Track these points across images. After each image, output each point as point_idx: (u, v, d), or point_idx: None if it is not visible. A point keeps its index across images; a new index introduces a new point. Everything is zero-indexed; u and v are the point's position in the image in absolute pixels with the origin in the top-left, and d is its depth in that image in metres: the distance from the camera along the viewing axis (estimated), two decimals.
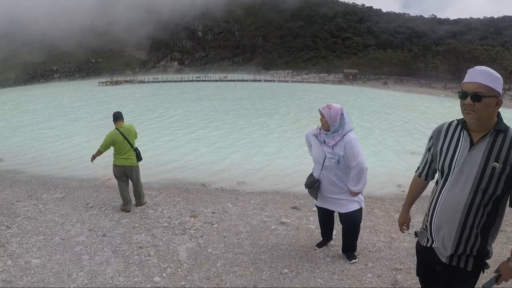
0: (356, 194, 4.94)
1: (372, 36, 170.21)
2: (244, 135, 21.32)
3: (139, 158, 7.96)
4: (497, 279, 2.56)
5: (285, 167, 13.94)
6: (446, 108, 40.54)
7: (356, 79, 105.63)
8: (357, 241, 5.50)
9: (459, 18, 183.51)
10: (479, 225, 2.53)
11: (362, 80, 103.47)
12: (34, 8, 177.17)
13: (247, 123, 26.64)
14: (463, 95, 2.47)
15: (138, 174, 8.03)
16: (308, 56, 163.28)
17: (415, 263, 3.06)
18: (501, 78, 2.50)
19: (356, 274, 5.00)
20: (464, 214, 2.51)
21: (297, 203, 8.41)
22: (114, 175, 7.94)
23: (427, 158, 2.92)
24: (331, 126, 4.80)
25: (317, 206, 5.48)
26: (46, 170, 13.19)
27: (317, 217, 7.19)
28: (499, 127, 2.46)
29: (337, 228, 5.96)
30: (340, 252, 5.53)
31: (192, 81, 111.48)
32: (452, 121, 2.73)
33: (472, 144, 2.50)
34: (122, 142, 7.69)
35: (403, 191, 10.74)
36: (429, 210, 2.75)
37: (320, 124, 4.97)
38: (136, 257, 5.48)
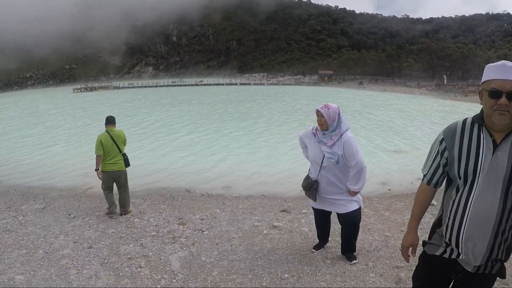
0: (355, 193, 4.86)
1: (346, 37, 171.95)
2: (226, 140, 20.96)
3: (127, 163, 7.89)
4: None
5: (269, 170, 13.77)
6: (423, 106, 41.16)
7: (332, 80, 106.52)
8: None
9: (432, 18, 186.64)
10: (510, 229, 2.37)
11: (337, 81, 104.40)
12: (8, 15, 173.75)
13: (229, 127, 26.26)
14: (495, 94, 2.24)
15: (126, 179, 7.93)
16: (283, 58, 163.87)
17: (416, 261, 2.89)
18: None
19: (359, 274, 4.89)
20: (497, 221, 2.31)
21: (286, 206, 8.26)
22: (102, 181, 7.75)
23: (439, 163, 2.57)
24: (329, 126, 4.73)
25: (313, 208, 5.35)
26: (24, 180, 12.67)
27: (308, 219, 7.12)
28: None
29: (332, 229, 5.85)
30: (339, 253, 5.43)
31: (167, 86, 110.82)
32: (465, 120, 2.48)
33: (495, 145, 2.30)
34: (110, 145, 7.60)
35: (389, 189, 10.80)
36: (451, 221, 2.46)
37: (316, 125, 4.89)
38: (126, 269, 5.23)
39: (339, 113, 4.76)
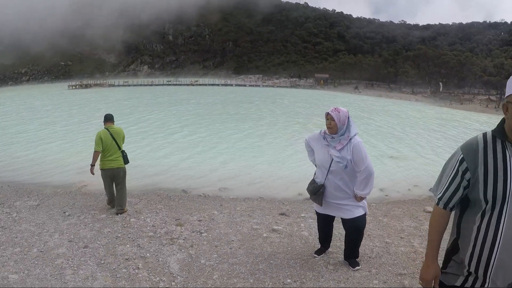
0: (362, 199, 4.80)
1: (343, 41, 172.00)
2: (223, 141, 20.76)
3: (126, 160, 7.90)
4: None
5: (267, 172, 13.67)
6: (420, 113, 41.15)
7: (327, 84, 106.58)
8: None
9: (429, 24, 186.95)
10: None
11: (333, 84, 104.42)
12: (4, 11, 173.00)
13: (226, 128, 26.06)
14: None
15: (124, 177, 7.95)
16: (279, 60, 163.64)
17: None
18: None
19: (362, 281, 4.82)
20: None
21: (284, 209, 8.17)
22: (102, 177, 7.82)
23: (459, 185, 2.30)
24: (339, 129, 4.67)
25: (317, 213, 5.25)
26: (18, 176, 12.52)
27: (308, 224, 7.04)
28: None
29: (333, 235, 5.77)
30: (341, 259, 5.36)
31: (163, 85, 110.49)
32: (485, 135, 2.26)
33: None
34: (110, 141, 7.65)
35: (386, 195, 10.73)
36: (478, 249, 2.23)
37: (324, 128, 4.83)
38: (124, 270, 5.10)
39: (348, 117, 4.71)
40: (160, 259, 5.46)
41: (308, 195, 5.23)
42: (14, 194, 9.33)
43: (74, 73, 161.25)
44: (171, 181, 12.14)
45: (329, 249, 5.64)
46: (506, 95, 2.20)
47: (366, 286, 4.69)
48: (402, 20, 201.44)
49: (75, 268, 5.15)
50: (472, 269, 2.27)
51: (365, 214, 4.96)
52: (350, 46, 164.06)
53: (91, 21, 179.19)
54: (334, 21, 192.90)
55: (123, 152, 7.84)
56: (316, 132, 5.04)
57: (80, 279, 4.85)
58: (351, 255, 5.21)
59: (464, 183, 2.28)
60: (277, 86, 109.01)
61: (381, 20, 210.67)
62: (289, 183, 11.94)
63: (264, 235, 6.44)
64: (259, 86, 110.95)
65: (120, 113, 33.79)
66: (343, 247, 5.69)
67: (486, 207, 2.20)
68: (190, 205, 8.45)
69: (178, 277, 4.92)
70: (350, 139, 4.66)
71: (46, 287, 4.68)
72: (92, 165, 7.66)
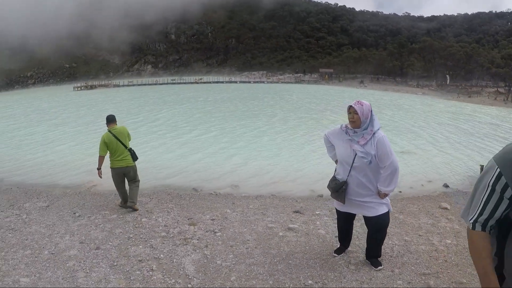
0: (385, 195, 4.60)
1: (346, 35, 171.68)
2: (233, 138, 20.47)
3: (134, 157, 7.94)
4: None
5: (278, 169, 13.43)
6: (429, 106, 40.68)
7: (332, 79, 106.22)
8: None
9: (433, 15, 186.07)
10: None
11: (338, 79, 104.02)
12: (10, 16, 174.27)
13: (234, 125, 25.67)
14: None
15: (135, 173, 7.99)
16: (282, 56, 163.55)
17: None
18: None
19: (386, 281, 4.64)
20: None
21: (298, 207, 7.98)
22: (112, 177, 7.85)
23: (497, 204, 1.96)
24: (362, 123, 4.48)
25: (338, 211, 5.07)
26: (27, 178, 12.39)
27: (323, 221, 6.88)
28: None
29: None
30: (361, 258, 5.18)
31: (167, 84, 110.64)
32: None
33: None
34: (115, 143, 7.66)
35: (400, 191, 10.47)
36: None
37: (345, 123, 4.65)
38: (137, 272, 4.95)
39: (371, 110, 4.52)
40: (174, 260, 5.30)
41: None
42: (24, 196, 9.22)
43: (79, 75, 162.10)
44: (181, 179, 11.97)
45: (349, 248, 5.46)
46: None
47: (390, 287, 4.52)
48: (406, 12, 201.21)
49: (88, 271, 5.01)
50: None
51: (388, 212, 4.76)
52: (354, 40, 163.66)
53: (96, 23, 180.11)
54: (337, 15, 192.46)
55: (130, 150, 7.85)
56: (336, 127, 4.84)
57: (93, 282, 4.71)
58: (373, 254, 5.02)
59: (505, 202, 1.94)
60: (282, 82, 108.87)
61: (384, 13, 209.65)
62: (301, 180, 11.75)
63: (280, 234, 6.27)
64: (263, 82, 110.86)
65: (127, 113, 33.78)
66: (362, 245, 5.52)
67: None
68: (201, 204, 8.29)
69: (194, 279, 4.76)
70: (374, 133, 4.47)
71: None
72: (99, 169, 7.70)
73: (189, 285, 4.60)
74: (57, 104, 49.15)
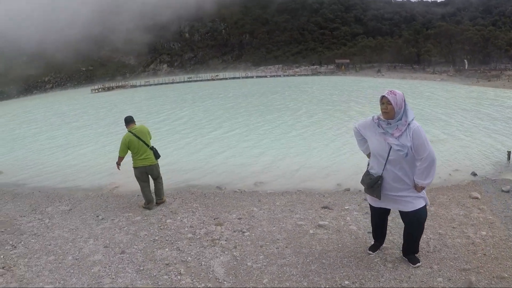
0: (422, 189, 4.34)
1: (360, 24, 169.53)
2: (259, 134, 19.87)
3: (157, 155, 7.99)
4: None
5: (301, 164, 13.05)
6: (449, 92, 39.63)
7: (349, 69, 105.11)
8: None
9: (448, 0, 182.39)
10: None
11: (354, 69, 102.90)
12: (28, 22, 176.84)
13: (259, 120, 25.06)
14: None
15: (159, 171, 8.10)
16: (297, 49, 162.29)
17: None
18: None
19: (425, 279, 4.38)
20: None
21: (326, 202, 7.72)
22: (136, 177, 7.88)
23: None
24: (396, 114, 4.22)
25: (372, 206, 4.80)
26: (49, 181, 12.37)
27: (353, 217, 6.63)
28: None
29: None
30: (397, 255, 4.92)
31: (184, 82, 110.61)
32: None
33: None
34: (137, 143, 7.71)
35: None
36: None
37: (376, 114, 4.41)
38: (165, 277, 4.77)
39: (404, 100, 4.25)
40: (203, 262, 5.11)
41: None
42: (46, 200, 9.17)
43: (95, 78, 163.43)
44: (204, 177, 11.77)
45: (384, 245, 5.20)
46: None
47: (430, 285, 4.25)
48: None
49: (113, 277, 4.87)
50: None
51: (426, 206, 4.50)
52: (369, 28, 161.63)
53: (111, 26, 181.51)
54: (350, 5, 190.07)
55: (152, 148, 7.87)
56: (367, 118, 4.58)
57: None
58: (411, 251, 4.76)
59: None
60: (298, 75, 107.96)
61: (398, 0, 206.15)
62: (326, 174, 11.45)
63: (311, 231, 6.03)
64: (280, 76, 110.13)
65: (148, 113, 33.73)
66: (396, 241, 5.27)
67: None
68: (226, 202, 8.09)
69: (225, 282, 4.57)
70: (408, 124, 4.21)
71: None
72: (118, 163, 7.94)
73: None
74: (76, 107, 49.37)
